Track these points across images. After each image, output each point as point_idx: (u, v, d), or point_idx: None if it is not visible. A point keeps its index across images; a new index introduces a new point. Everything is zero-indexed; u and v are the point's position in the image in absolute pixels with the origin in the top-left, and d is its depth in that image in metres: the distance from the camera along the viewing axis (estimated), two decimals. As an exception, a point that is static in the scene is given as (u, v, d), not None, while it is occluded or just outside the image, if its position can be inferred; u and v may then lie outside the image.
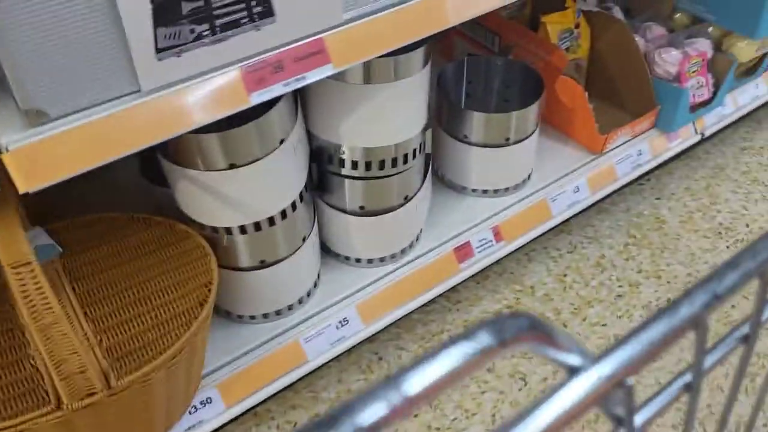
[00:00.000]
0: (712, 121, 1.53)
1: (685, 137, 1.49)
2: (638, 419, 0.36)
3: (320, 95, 0.97)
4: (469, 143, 1.22)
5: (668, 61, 1.40)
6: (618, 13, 1.56)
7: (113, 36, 0.65)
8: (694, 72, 1.42)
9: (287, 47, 0.76)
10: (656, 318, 0.32)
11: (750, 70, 1.58)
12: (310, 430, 0.26)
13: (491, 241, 1.23)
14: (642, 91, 1.43)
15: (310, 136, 1.03)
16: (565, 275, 1.39)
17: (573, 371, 0.31)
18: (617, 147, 1.41)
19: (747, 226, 1.50)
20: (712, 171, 1.64)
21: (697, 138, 1.51)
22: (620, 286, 1.37)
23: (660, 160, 1.46)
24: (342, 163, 1.03)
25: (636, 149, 1.42)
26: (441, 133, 1.25)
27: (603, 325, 1.30)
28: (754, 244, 0.35)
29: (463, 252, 1.21)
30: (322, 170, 1.06)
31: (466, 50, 1.53)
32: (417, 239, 1.19)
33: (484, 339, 0.29)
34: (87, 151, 0.67)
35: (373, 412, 0.26)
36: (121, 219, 0.99)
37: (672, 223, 1.50)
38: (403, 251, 1.17)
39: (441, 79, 1.25)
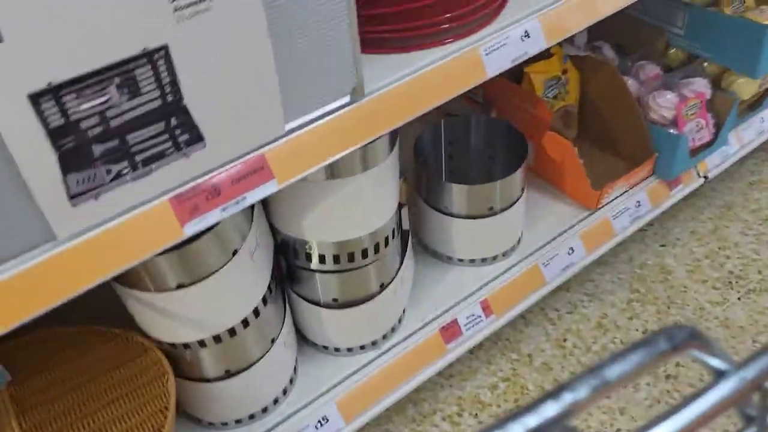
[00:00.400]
0: (715, 162, 1.44)
1: (686, 182, 1.40)
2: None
3: (281, 192, 0.90)
4: (451, 215, 1.15)
5: (663, 105, 1.32)
6: (609, 52, 1.47)
7: (17, 188, 0.58)
8: (692, 115, 1.33)
9: (223, 170, 0.69)
10: None
11: (754, 104, 1.49)
12: (538, 400, 0.31)
13: (480, 316, 1.16)
14: (638, 137, 1.35)
15: (273, 229, 0.97)
16: (564, 339, 1.31)
17: (719, 374, 0.35)
18: (614, 200, 1.33)
19: (759, 272, 1.41)
20: (719, 211, 1.55)
21: (700, 182, 1.42)
22: (624, 350, 1.28)
23: (660, 210, 1.37)
24: (309, 257, 0.96)
25: (634, 201, 1.33)
26: (421, 203, 1.18)
27: (606, 397, 1.22)
28: None
29: (450, 332, 1.13)
30: (290, 263, 1.00)
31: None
32: (400, 321, 1.12)
33: (661, 344, 0.35)
34: (-2, 314, 0.60)
35: (582, 391, 0.32)
36: (76, 333, 0.93)
37: (678, 273, 1.41)
38: (384, 336, 1.10)
39: (418, 145, 1.18)
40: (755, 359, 0.34)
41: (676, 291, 1.38)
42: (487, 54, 0.84)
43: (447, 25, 0.82)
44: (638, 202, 1.34)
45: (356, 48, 0.72)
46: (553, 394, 0.32)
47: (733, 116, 1.36)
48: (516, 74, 1.38)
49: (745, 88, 1.38)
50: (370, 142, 0.84)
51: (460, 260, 1.21)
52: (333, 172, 0.87)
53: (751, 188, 1.59)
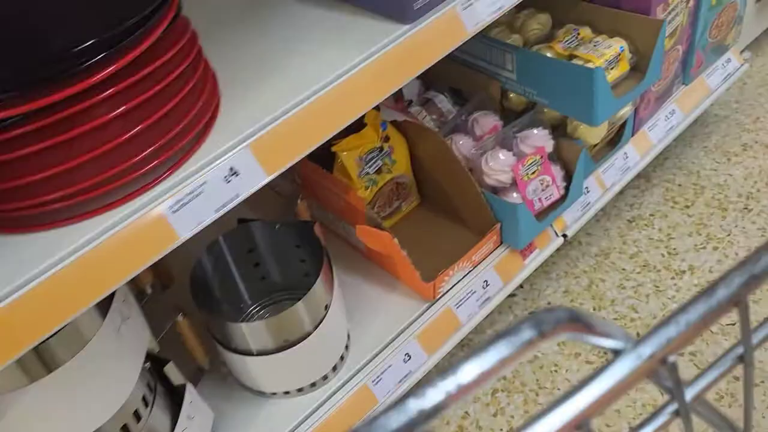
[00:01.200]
0: (575, 214, 1.26)
1: (543, 245, 1.23)
2: (692, 391, 0.38)
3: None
4: (242, 353, 0.96)
5: (497, 169, 1.14)
6: (444, 103, 1.29)
7: None
8: (533, 173, 1.15)
9: None
10: (695, 300, 0.34)
11: (614, 139, 1.32)
12: (382, 413, 0.29)
13: (296, 463, 0.97)
14: (477, 206, 1.17)
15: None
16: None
17: (617, 353, 0.33)
18: (458, 283, 1.15)
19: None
20: (594, 261, 1.38)
21: (560, 241, 1.25)
22: (486, 460, 1.11)
23: (515, 285, 1.20)
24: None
25: (481, 281, 1.16)
26: (210, 338, 0.99)
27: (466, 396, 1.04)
28: None
29: (258, 493, 0.94)
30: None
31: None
32: (195, 490, 0.93)
33: (526, 333, 0.32)
34: None
35: (433, 397, 0.29)
36: None
37: (548, 348, 1.24)
38: None
39: (198, 274, 0.99)
40: (654, 333, 0.33)
41: (546, 373, 1.21)
42: (175, 212, 0.64)
43: (108, 187, 0.62)
44: (486, 281, 1.16)
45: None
46: (397, 404, 0.30)
47: (582, 165, 1.18)
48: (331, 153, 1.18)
49: (592, 132, 1.20)
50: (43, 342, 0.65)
51: (273, 393, 1.02)
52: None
53: (629, 228, 1.42)
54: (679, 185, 1.49)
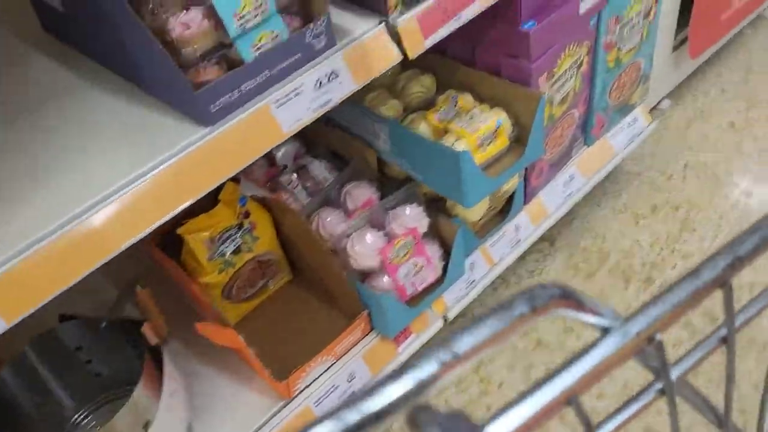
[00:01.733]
0: (459, 294, 1.17)
1: (421, 330, 1.13)
2: (677, 371, 0.39)
3: None
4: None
5: (363, 253, 1.04)
6: (319, 170, 1.19)
7: None
8: (404, 256, 1.05)
9: None
10: (681, 281, 0.35)
11: (504, 208, 1.23)
12: (380, 383, 0.29)
13: None
14: (344, 291, 1.07)
15: None
16: None
17: (605, 331, 0.34)
18: (320, 376, 1.04)
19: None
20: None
21: (440, 324, 1.15)
22: None
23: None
24: None
25: (346, 373, 1.05)
26: None
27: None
28: None
29: None
30: None
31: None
32: None
33: (518, 308, 0.32)
34: None
35: (429, 368, 0.30)
36: None
37: None
38: None
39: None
40: (641, 312, 0.34)
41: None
42: None
43: None
44: (352, 374, 1.06)
45: None
46: (396, 374, 0.30)
47: (461, 244, 1.09)
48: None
49: (471, 209, 1.11)
50: None
51: None
52: None
53: (526, 299, 1.33)
54: (584, 249, 1.41)
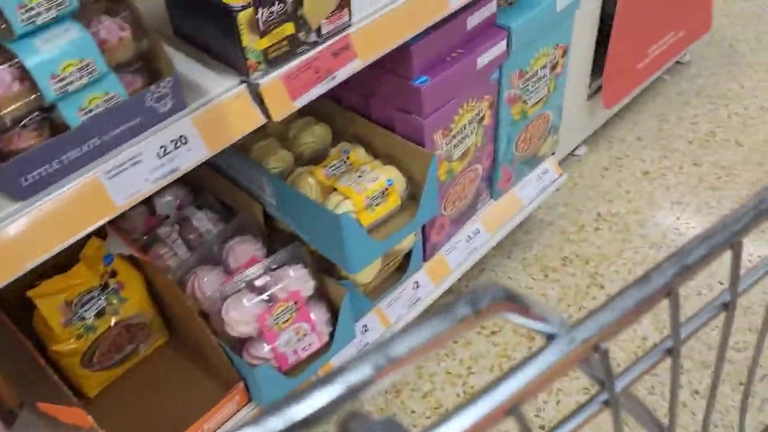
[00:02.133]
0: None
1: (305, 399, 1.05)
2: (622, 382, 0.38)
3: None
4: None
5: (239, 319, 0.95)
6: (202, 221, 1.10)
7: None
8: (285, 322, 0.97)
9: None
10: (628, 288, 0.34)
11: (402, 265, 1.16)
12: (308, 390, 0.27)
13: None
14: (219, 359, 0.98)
15: None
16: None
17: (550, 337, 0.32)
18: (187, 454, 0.95)
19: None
20: (384, 399, 1.21)
21: (327, 392, 1.07)
22: None
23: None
24: None
25: (218, 450, 0.97)
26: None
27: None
28: (723, 218, 0.37)
29: None
30: None
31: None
32: None
33: (461, 310, 0.31)
34: None
35: (363, 372, 0.28)
36: None
37: None
38: None
39: None
40: (588, 319, 0.33)
41: None
42: None
43: None
44: (224, 450, 0.97)
45: None
46: (326, 379, 0.28)
47: (349, 308, 1.02)
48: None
49: (364, 271, 1.04)
50: None
51: None
52: None
53: (428, 357, 1.27)
54: (490, 305, 1.35)
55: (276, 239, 1.08)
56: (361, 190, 0.96)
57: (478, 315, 0.32)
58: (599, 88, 1.56)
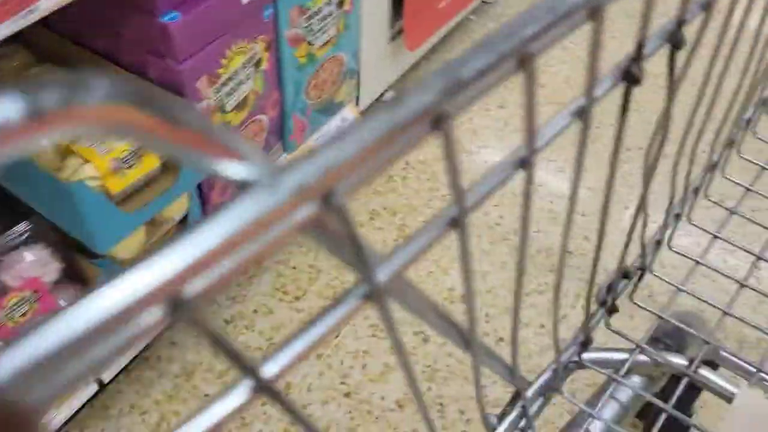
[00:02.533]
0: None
1: (69, 399, 0.89)
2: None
3: None
4: None
5: (-42, 319, 0.77)
6: None
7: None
8: (23, 315, 0.80)
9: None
10: (379, 113, 0.19)
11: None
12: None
13: None
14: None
15: None
16: None
17: (245, 185, 0.17)
18: None
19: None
20: (173, 384, 1.08)
21: (93, 389, 0.92)
22: None
23: None
24: None
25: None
26: None
27: None
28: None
29: None
30: None
31: None
32: None
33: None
34: None
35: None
36: None
37: None
38: None
39: None
40: (305, 160, 0.18)
41: None
42: None
43: None
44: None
45: None
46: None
47: (112, 293, 0.86)
48: None
49: (121, 244, 0.89)
50: None
51: None
52: None
53: (223, 332, 1.15)
54: (294, 268, 1.25)
55: (16, 213, 0.89)
56: (106, 151, 0.80)
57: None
58: (402, 30, 1.48)
